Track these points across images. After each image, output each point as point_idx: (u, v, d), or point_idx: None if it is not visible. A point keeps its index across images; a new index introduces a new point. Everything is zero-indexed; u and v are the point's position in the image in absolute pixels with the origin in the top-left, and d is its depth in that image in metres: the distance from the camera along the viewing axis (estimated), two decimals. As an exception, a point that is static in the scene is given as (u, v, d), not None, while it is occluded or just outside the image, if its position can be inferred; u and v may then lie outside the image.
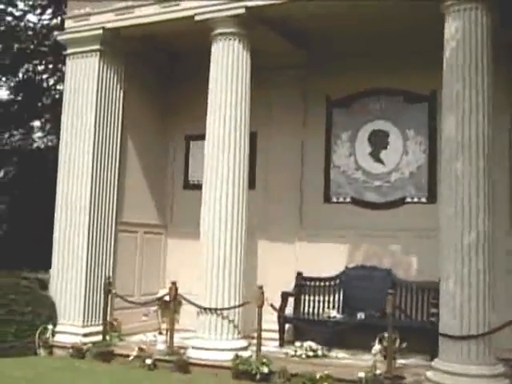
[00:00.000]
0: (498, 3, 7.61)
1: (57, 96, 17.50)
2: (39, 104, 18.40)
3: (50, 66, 18.25)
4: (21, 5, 17.86)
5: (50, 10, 17.83)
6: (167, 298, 8.60)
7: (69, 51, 9.57)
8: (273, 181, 10.05)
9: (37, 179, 16.40)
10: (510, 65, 8.64)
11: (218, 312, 7.92)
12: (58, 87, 18.05)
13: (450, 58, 7.32)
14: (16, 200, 17.79)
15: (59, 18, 16.91)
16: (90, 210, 9.07)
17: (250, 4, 8.17)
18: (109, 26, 9.19)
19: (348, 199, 9.65)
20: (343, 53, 9.51)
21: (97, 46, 9.27)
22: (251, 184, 9.10)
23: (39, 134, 19.64)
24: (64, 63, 10.34)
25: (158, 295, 9.09)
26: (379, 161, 9.51)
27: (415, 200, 9.24)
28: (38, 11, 18.01)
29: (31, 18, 19.40)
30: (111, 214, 9.43)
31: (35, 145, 19.43)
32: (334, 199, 9.74)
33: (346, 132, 9.73)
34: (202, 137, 8.55)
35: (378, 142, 9.51)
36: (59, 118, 9.72)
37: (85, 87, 9.32)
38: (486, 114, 7.05)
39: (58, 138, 9.76)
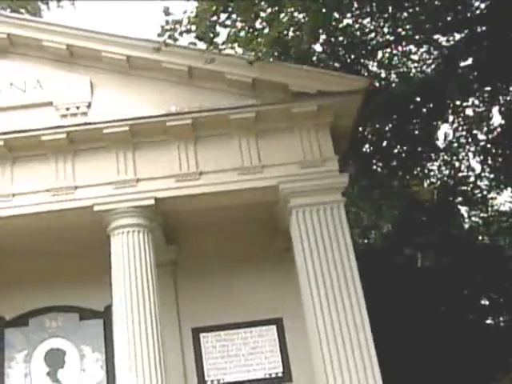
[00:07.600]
0: (161, 223, 8.51)
1: None
2: None
3: None
4: None
5: None
6: None
7: None
8: None
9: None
10: (174, 277, 9.36)
11: None
12: None
13: (117, 276, 7.87)
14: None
15: None
16: None
17: None
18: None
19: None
20: (17, 270, 9.32)
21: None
22: None
23: None
24: None
25: None
26: (57, 381, 9.17)
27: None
28: None
29: None
30: None
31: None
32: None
33: (20, 352, 9.25)
34: None
35: (55, 361, 9.23)
36: None
37: None
38: (155, 326, 7.54)
39: None
